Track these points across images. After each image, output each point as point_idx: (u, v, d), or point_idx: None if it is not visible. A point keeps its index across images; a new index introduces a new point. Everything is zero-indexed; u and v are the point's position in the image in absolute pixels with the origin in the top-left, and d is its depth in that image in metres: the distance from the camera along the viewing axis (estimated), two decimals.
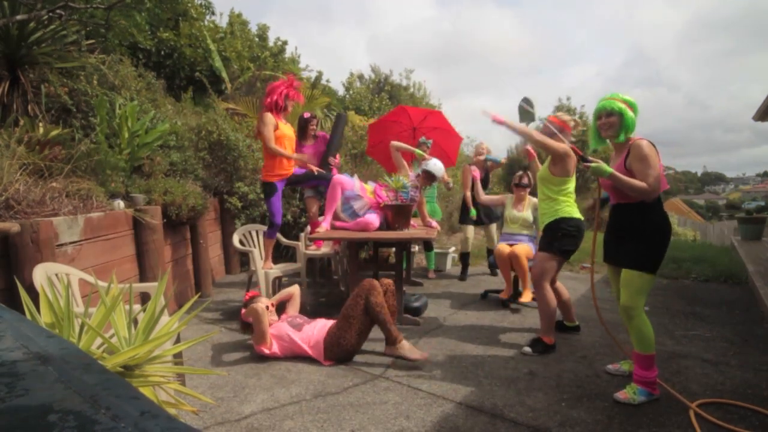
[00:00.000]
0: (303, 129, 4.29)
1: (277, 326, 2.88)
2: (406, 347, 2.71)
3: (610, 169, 2.20)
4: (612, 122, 2.27)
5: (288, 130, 3.82)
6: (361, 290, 2.80)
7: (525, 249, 3.88)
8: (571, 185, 2.98)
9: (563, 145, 2.83)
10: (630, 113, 2.25)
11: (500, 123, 2.81)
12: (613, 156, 2.40)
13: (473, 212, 4.92)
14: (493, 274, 5.40)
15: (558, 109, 18.82)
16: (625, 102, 2.27)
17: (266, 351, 2.80)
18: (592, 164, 2.24)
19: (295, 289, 3.18)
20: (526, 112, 2.89)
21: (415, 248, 5.83)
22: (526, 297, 3.75)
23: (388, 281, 2.94)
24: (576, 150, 2.61)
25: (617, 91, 2.36)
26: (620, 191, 2.28)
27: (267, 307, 2.85)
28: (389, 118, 5.47)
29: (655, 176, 2.14)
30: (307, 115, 4.41)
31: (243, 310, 2.89)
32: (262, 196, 5.32)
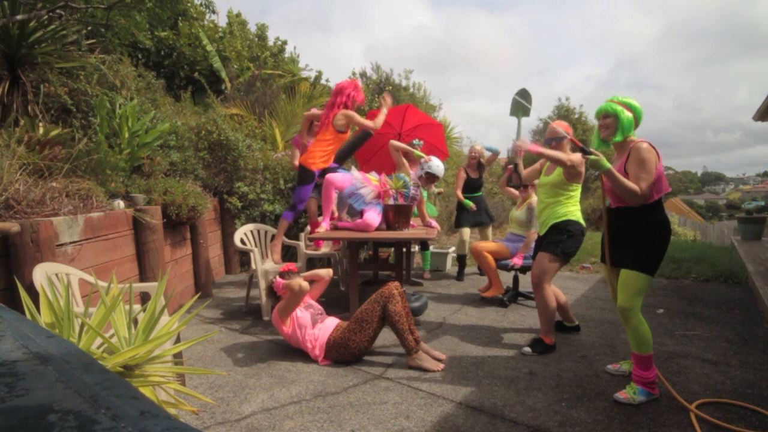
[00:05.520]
0: (309, 125, 4.26)
1: (304, 315, 2.86)
2: (423, 357, 2.66)
3: (608, 164, 2.20)
4: (609, 123, 2.30)
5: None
6: (379, 297, 2.73)
7: (493, 244, 4.05)
8: (579, 189, 3.04)
9: (577, 156, 2.84)
10: (626, 114, 2.25)
11: (537, 152, 2.73)
12: (614, 158, 2.41)
13: (467, 203, 4.95)
14: (482, 273, 5.42)
15: (557, 109, 18.96)
16: (623, 103, 2.29)
17: (284, 328, 2.84)
18: (591, 156, 2.24)
19: (326, 273, 3.12)
20: (521, 105, 2.91)
21: (415, 248, 5.83)
22: (492, 292, 4.04)
23: (396, 283, 2.87)
24: (575, 141, 2.62)
25: (613, 94, 2.39)
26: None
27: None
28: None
29: (648, 182, 2.15)
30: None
31: (280, 281, 2.89)
32: (261, 195, 5.32)
